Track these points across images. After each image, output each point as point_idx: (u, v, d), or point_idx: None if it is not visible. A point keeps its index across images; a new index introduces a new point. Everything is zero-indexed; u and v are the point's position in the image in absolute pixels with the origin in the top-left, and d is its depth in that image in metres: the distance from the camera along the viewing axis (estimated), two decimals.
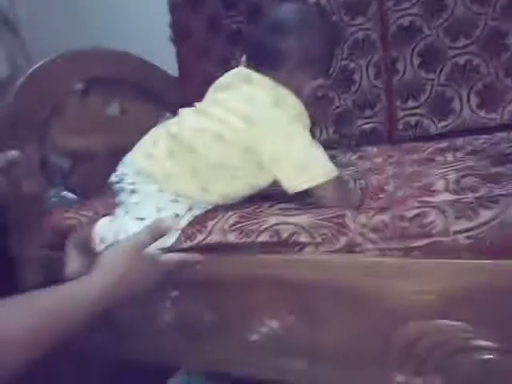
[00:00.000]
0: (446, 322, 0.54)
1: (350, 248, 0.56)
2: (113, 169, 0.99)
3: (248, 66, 0.70)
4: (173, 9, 1.14)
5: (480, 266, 0.50)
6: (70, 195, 1.09)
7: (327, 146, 0.98)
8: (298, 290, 0.60)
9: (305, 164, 0.63)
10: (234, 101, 0.68)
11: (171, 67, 1.20)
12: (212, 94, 0.74)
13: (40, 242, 0.84)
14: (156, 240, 0.56)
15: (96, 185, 0.99)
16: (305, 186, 0.63)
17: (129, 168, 0.71)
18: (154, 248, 0.61)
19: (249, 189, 0.70)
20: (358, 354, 0.58)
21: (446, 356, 0.54)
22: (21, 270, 0.86)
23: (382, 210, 0.55)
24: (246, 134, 0.64)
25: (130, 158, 0.73)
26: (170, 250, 0.65)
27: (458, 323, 0.53)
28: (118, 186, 0.72)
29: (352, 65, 0.97)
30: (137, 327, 0.78)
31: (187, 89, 1.15)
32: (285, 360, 0.65)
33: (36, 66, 0.86)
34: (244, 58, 0.73)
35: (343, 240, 0.56)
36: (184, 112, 0.74)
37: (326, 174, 0.62)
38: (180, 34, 1.16)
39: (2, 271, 0.80)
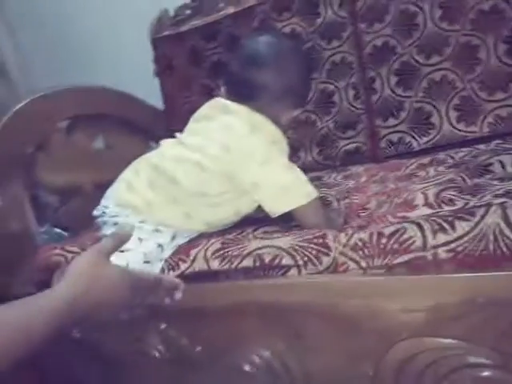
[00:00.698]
0: (438, 339, 0.52)
1: (334, 268, 0.56)
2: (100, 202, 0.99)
3: (227, 97, 0.71)
4: (156, 44, 1.17)
5: (464, 280, 0.49)
6: (60, 231, 1.09)
7: (312, 167, 1.01)
8: (284, 314, 0.59)
9: (284, 187, 0.63)
10: (211, 130, 0.69)
11: (158, 101, 1.22)
12: (191, 124, 0.76)
13: (27, 281, 0.83)
14: (119, 246, 0.52)
15: (84, 219, 0.99)
16: (286, 209, 0.63)
17: (110, 201, 0.72)
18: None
19: (233, 215, 0.71)
20: (350, 378, 0.57)
21: (440, 376, 0.53)
22: None
23: (361, 227, 0.55)
24: (223, 161, 0.65)
25: (111, 191, 0.74)
26: None
27: (450, 341, 0.51)
28: (100, 220, 0.72)
29: (331, 87, 0.99)
30: (125, 360, 0.76)
31: (173, 121, 1.17)
32: None
33: (20, 105, 0.87)
34: (223, 89, 0.74)
35: (326, 260, 0.56)
36: (165, 143, 0.75)
37: (306, 195, 0.63)
38: (163, 68, 1.18)
39: None
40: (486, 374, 0.50)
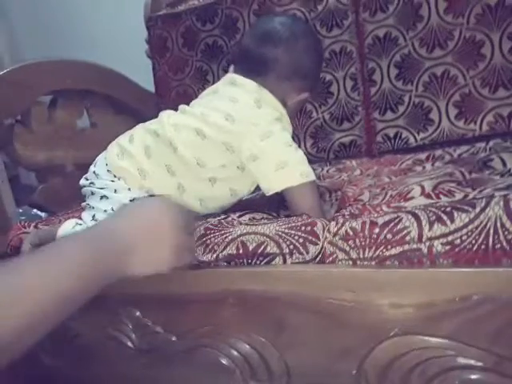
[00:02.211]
0: (428, 338, 0.49)
1: (321, 259, 0.52)
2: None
3: (236, 73, 0.70)
4: (149, 24, 1.13)
5: (461, 275, 0.46)
6: (37, 212, 1.04)
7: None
8: (266, 305, 0.55)
9: (284, 164, 0.60)
10: (215, 100, 0.68)
11: (149, 84, 1.18)
12: (198, 99, 0.73)
13: None
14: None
15: (64, 200, 0.94)
16: (282, 187, 0.61)
17: (100, 168, 0.67)
18: None
19: (228, 195, 0.67)
20: (332, 376, 0.53)
21: (427, 377, 0.49)
22: None
23: (353, 216, 0.51)
24: (225, 130, 0.62)
25: (102, 156, 0.69)
26: None
27: (441, 340, 0.48)
28: (88, 189, 0.68)
29: (329, 77, 0.95)
30: (97, 347, 0.72)
31: (163, 103, 1.13)
32: None
33: (2, 72, 0.82)
34: (232, 68, 0.73)
35: (313, 250, 0.52)
36: (164, 113, 0.71)
37: (305, 175, 0.60)
38: (156, 49, 1.14)
39: None
40: (476, 376, 0.47)
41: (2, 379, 0.57)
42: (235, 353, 0.60)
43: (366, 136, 0.93)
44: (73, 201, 0.94)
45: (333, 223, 0.52)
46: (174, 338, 0.65)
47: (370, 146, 0.93)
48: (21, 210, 1.11)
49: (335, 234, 0.51)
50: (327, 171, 0.86)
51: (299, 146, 0.98)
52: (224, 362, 0.62)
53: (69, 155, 0.95)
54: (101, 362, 0.73)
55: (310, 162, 0.97)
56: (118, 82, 1.06)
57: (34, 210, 1.14)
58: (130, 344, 0.69)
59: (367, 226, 0.48)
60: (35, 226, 0.79)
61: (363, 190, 0.66)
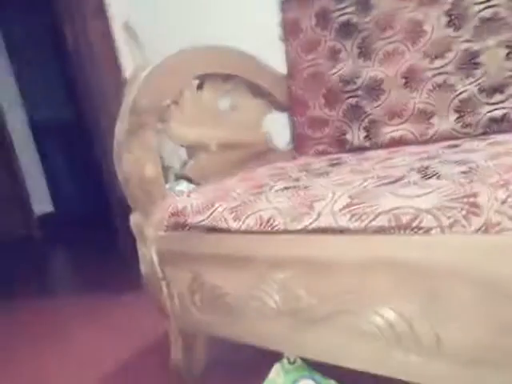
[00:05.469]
0: None
1: (485, 230, 0.49)
2: (224, 160, 1.03)
3: None
4: (283, 6, 1.17)
5: None
6: (186, 184, 1.16)
7: (447, 136, 0.92)
8: (420, 274, 0.54)
9: None
10: None
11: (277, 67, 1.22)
12: None
13: (158, 223, 0.90)
14: None
15: (208, 175, 1.04)
16: None
17: None
18: None
19: None
20: (491, 352, 0.50)
21: None
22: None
23: None
24: None
25: None
26: None
27: None
28: None
29: (476, 46, 0.88)
30: (245, 311, 0.78)
31: (295, 85, 1.16)
32: (398, 353, 0.60)
33: (158, 63, 0.93)
34: None
35: (477, 221, 0.49)
36: None
37: None
38: (290, 32, 1.17)
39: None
40: None
41: None
42: (380, 320, 0.61)
43: None
44: (215, 176, 1.03)
45: (501, 190, 0.49)
46: (315, 302, 0.68)
47: None
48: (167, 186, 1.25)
49: (504, 202, 0.48)
50: (477, 146, 0.80)
51: (440, 122, 0.93)
52: (368, 328, 0.62)
53: (212, 134, 1.04)
54: (244, 320, 0.80)
55: (453, 138, 0.92)
56: (255, 66, 1.12)
57: (177, 188, 1.28)
58: (273, 305, 0.74)
59: None
60: (188, 195, 0.89)
61: None
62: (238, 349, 0.96)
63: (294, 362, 0.85)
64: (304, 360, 0.85)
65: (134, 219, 0.93)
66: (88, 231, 3.05)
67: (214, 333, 0.89)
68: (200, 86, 1.04)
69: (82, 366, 1.19)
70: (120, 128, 0.90)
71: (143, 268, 0.94)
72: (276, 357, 0.87)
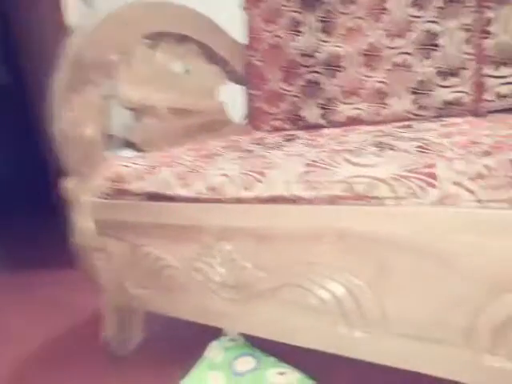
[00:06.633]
0: None
1: (441, 201, 0.48)
2: (174, 127, 0.96)
3: None
4: None
5: None
6: (130, 153, 1.08)
7: (403, 117, 0.91)
8: (368, 245, 0.52)
9: None
10: None
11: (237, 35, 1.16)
12: None
13: (95, 188, 0.82)
14: None
15: (155, 140, 0.97)
16: None
17: None
18: None
19: None
20: (439, 327, 0.50)
21: None
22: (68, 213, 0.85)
23: (486, 153, 0.46)
24: None
25: None
26: None
27: None
28: None
29: (437, 28, 0.87)
30: (187, 284, 0.73)
31: (254, 56, 1.11)
32: (343, 329, 0.58)
33: (108, 13, 0.84)
34: None
35: (433, 193, 0.48)
36: None
37: None
38: (252, 1, 1.11)
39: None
40: None
41: None
42: (327, 294, 0.59)
43: (475, 93, 0.85)
44: (163, 144, 0.96)
45: (460, 161, 0.47)
46: (261, 274, 0.65)
47: (478, 103, 0.84)
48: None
49: (462, 173, 0.46)
50: (430, 127, 0.80)
51: (397, 103, 0.93)
52: (313, 302, 0.60)
53: (163, 98, 0.97)
54: (186, 295, 0.75)
55: (408, 120, 0.92)
56: (212, 30, 1.06)
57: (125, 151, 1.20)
58: (217, 278, 0.70)
59: (506, 164, 0.43)
60: (130, 161, 0.82)
61: (481, 137, 0.60)
62: (179, 325, 0.91)
63: (234, 340, 0.82)
64: (247, 338, 0.82)
65: (69, 184, 0.84)
66: (24, 201, 2.83)
67: (152, 308, 0.84)
68: (153, 47, 0.96)
69: (10, 341, 1.10)
70: (59, 82, 0.81)
71: (77, 238, 0.86)
72: (217, 334, 0.84)
